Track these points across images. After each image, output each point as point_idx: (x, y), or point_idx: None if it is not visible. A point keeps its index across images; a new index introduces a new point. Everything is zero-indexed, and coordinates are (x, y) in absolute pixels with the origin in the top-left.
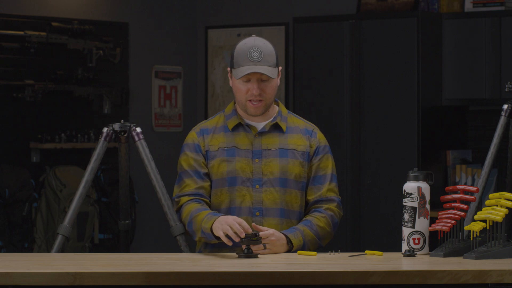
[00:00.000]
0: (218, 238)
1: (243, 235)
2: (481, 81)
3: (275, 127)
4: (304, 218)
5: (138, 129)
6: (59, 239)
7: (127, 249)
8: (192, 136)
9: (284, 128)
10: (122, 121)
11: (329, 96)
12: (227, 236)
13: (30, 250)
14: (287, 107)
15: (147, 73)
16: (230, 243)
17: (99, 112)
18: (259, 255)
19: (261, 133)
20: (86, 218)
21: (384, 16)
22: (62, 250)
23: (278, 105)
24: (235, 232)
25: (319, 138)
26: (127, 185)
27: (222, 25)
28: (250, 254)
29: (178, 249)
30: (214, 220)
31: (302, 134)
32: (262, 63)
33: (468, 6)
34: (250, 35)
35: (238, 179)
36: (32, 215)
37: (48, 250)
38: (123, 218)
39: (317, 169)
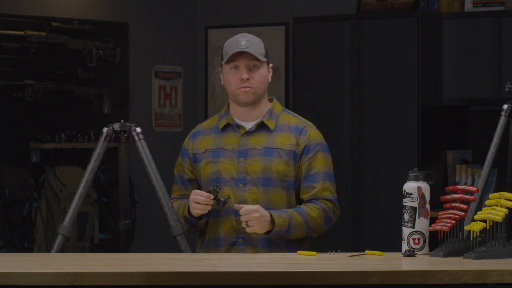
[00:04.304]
0: (199, 218)
1: (211, 202)
2: (481, 81)
3: (263, 126)
4: (297, 206)
5: (138, 129)
6: (59, 239)
7: (127, 249)
8: (185, 140)
9: (271, 126)
10: (122, 121)
11: (329, 96)
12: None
13: (30, 250)
14: (286, 107)
15: (147, 73)
16: (206, 211)
17: (99, 112)
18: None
19: (249, 133)
20: (86, 218)
21: (384, 16)
22: (62, 250)
23: (272, 103)
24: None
25: (310, 136)
26: (127, 185)
27: (222, 25)
28: (223, 200)
29: (178, 249)
30: (188, 206)
31: (289, 133)
32: (250, 49)
33: (468, 6)
34: None
35: (222, 179)
36: (32, 215)
37: (48, 250)
38: (123, 218)
39: (308, 168)
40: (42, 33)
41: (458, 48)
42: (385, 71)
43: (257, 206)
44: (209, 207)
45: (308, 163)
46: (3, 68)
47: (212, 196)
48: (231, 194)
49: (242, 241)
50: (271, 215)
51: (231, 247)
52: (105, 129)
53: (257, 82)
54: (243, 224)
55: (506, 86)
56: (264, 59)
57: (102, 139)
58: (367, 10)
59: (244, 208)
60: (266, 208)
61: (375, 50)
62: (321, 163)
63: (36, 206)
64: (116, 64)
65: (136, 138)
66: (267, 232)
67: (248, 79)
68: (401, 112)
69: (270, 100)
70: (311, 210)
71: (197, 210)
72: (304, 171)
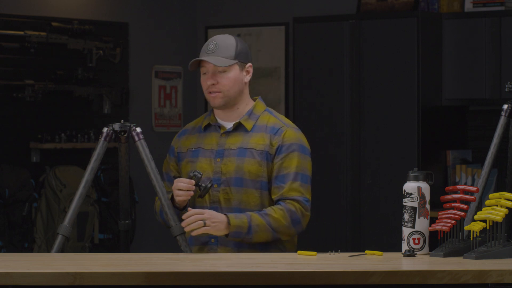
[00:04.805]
0: (183, 208)
1: (192, 188)
2: (481, 81)
3: (241, 127)
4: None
5: (138, 129)
6: (59, 239)
7: (127, 249)
8: (173, 139)
9: (248, 127)
10: (122, 121)
11: (329, 96)
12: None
13: (30, 250)
14: (287, 107)
15: (147, 73)
16: (189, 197)
17: (99, 112)
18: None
19: (228, 133)
20: (86, 218)
21: (384, 16)
22: (62, 250)
23: (254, 103)
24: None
25: (284, 137)
26: (127, 185)
27: (222, 25)
28: (204, 186)
29: (178, 249)
30: (172, 197)
31: (265, 133)
32: (215, 54)
33: (468, 6)
34: (250, 35)
35: (200, 179)
36: (32, 215)
37: (48, 250)
38: (123, 218)
39: (279, 168)
40: (42, 33)
41: (458, 48)
42: (385, 71)
43: (206, 211)
44: (191, 193)
45: (280, 163)
46: (3, 68)
47: (193, 182)
48: (206, 195)
49: (214, 240)
50: (227, 217)
51: (203, 246)
52: (105, 129)
53: (224, 86)
54: (187, 228)
55: (506, 86)
56: (230, 63)
57: (102, 139)
58: (367, 10)
59: (188, 213)
60: (239, 209)
61: (375, 50)
62: (294, 164)
63: (36, 206)
64: (116, 64)
65: (136, 138)
66: (228, 235)
67: (214, 84)
68: (401, 112)
69: (254, 100)
70: (274, 211)
71: (180, 197)
72: (275, 171)
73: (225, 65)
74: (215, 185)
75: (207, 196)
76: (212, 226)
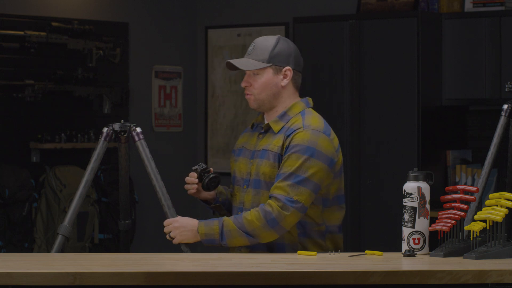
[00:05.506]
0: (210, 203)
1: (195, 181)
2: (481, 81)
3: (270, 128)
4: None
5: (138, 129)
6: (59, 239)
7: (127, 249)
8: None
9: (276, 129)
10: (122, 121)
11: (329, 96)
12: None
13: (30, 250)
14: None
15: (147, 73)
16: (194, 190)
17: (99, 112)
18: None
19: (263, 134)
20: (86, 218)
21: (384, 16)
22: (62, 250)
23: (291, 104)
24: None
25: (294, 137)
26: (127, 185)
27: (222, 25)
28: (206, 176)
29: (178, 249)
30: None
31: (283, 134)
32: (250, 56)
33: (468, 6)
34: (250, 35)
35: (236, 179)
36: (32, 215)
37: (48, 250)
38: (123, 218)
39: (280, 168)
40: (42, 33)
41: (458, 48)
42: (385, 71)
43: (176, 218)
44: (195, 186)
45: (281, 164)
46: (3, 68)
47: (195, 174)
48: (238, 195)
49: None
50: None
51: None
52: (105, 129)
53: (256, 89)
54: (167, 237)
55: (506, 86)
56: (259, 66)
57: (102, 139)
58: (367, 10)
59: (165, 222)
60: None
61: (375, 50)
62: (294, 165)
63: (36, 206)
64: (116, 64)
65: (136, 138)
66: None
67: (247, 86)
68: (401, 112)
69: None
70: (249, 213)
71: (188, 191)
72: (278, 171)
73: (252, 69)
74: (245, 186)
75: (238, 197)
76: (178, 236)
